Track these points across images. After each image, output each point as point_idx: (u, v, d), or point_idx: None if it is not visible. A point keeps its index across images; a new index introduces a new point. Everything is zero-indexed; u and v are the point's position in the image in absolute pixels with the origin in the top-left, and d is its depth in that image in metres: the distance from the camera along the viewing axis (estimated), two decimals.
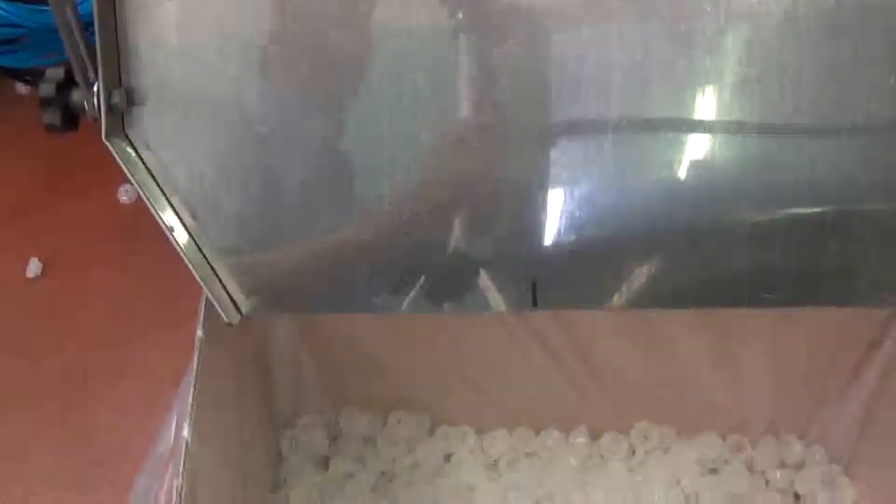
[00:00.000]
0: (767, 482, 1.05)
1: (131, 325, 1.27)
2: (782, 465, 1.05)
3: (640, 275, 0.74)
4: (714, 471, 1.04)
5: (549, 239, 0.73)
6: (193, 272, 0.73)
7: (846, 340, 0.94)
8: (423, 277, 0.75)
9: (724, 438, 1.06)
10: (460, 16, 0.67)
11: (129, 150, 0.70)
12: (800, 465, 1.05)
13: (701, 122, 0.69)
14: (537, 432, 1.08)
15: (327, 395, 1.06)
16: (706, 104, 0.69)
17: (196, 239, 0.72)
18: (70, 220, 1.39)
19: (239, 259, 0.74)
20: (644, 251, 0.74)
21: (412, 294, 0.76)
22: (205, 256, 0.73)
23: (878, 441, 0.99)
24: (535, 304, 0.76)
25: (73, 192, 1.42)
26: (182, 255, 0.73)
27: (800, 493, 1.04)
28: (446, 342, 0.98)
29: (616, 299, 0.76)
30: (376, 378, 1.04)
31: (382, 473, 1.06)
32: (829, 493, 1.03)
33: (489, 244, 0.74)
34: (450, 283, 0.76)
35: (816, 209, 0.71)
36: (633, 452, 1.06)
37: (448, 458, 1.07)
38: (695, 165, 0.70)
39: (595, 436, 1.07)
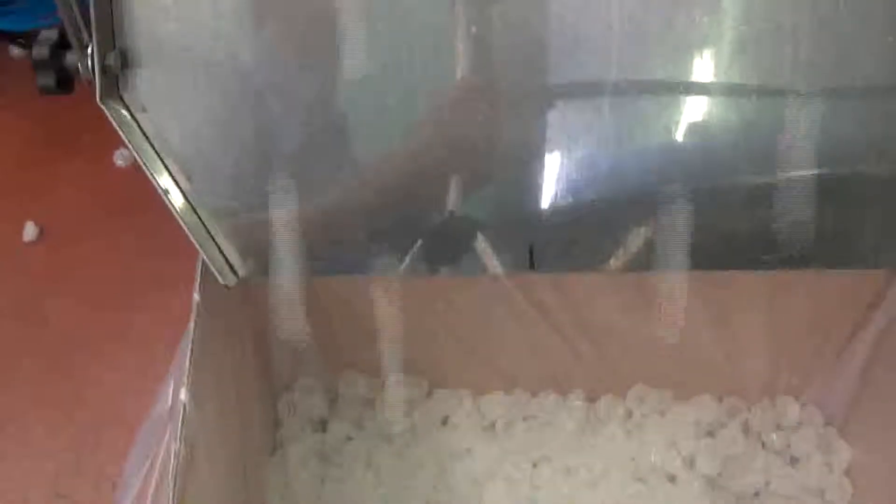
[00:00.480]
0: (763, 444, 1.05)
1: (129, 288, 1.27)
2: (778, 427, 1.06)
3: (638, 237, 0.74)
4: (710, 433, 1.04)
5: (546, 202, 0.73)
6: (189, 235, 0.73)
7: (843, 303, 0.94)
8: (420, 241, 0.75)
9: (720, 401, 1.06)
10: None
11: (125, 112, 0.70)
12: (796, 428, 1.06)
13: (699, 83, 0.69)
14: (534, 395, 1.08)
15: (325, 359, 1.06)
16: (704, 65, 0.69)
17: (192, 201, 0.72)
18: (66, 184, 1.39)
19: (235, 221, 0.74)
20: (642, 214, 0.74)
21: (409, 258, 0.76)
22: (201, 219, 0.73)
23: (873, 403, 0.99)
24: (532, 267, 0.76)
25: (68, 156, 1.41)
26: (178, 217, 0.73)
27: (796, 454, 1.04)
28: (444, 305, 0.98)
29: (614, 262, 0.76)
30: (374, 341, 1.04)
31: (380, 436, 1.06)
32: (825, 454, 1.03)
33: (487, 207, 0.74)
34: (447, 247, 0.76)
35: (815, 171, 0.70)
36: (630, 415, 1.07)
37: (445, 420, 1.08)
38: (693, 128, 0.70)
39: (592, 399, 1.08)
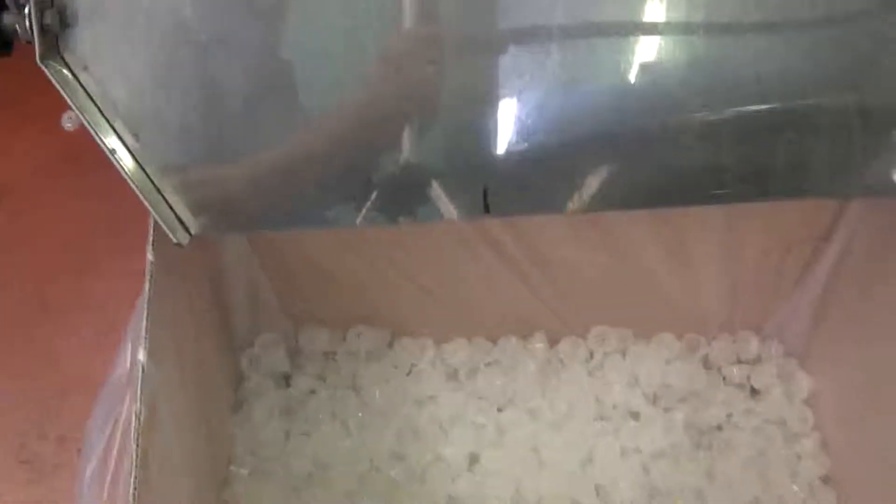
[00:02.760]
0: (724, 378, 1.07)
1: (85, 253, 1.26)
2: (739, 361, 1.07)
3: (593, 178, 0.74)
4: (672, 370, 1.05)
5: (499, 147, 0.72)
6: (139, 194, 0.72)
7: (797, 235, 0.95)
8: (375, 191, 0.75)
9: (680, 338, 1.07)
10: None
11: (66, 72, 0.68)
12: (756, 361, 1.07)
13: (647, 22, 0.69)
14: (496, 341, 1.09)
15: (285, 314, 1.06)
16: (651, 4, 0.68)
17: (139, 159, 0.71)
18: (16, 150, 1.37)
19: (184, 177, 0.73)
20: (596, 155, 0.73)
21: (366, 208, 0.76)
22: (149, 177, 0.72)
23: (832, 333, 1.00)
24: (487, 210, 0.75)
25: (17, 121, 1.39)
26: (126, 177, 0.71)
27: (756, 387, 1.06)
28: (402, 255, 0.98)
29: (569, 204, 0.75)
30: (334, 294, 1.04)
31: (344, 388, 1.06)
32: (786, 385, 1.05)
33: (440, 154, 0.74)
34: (402, 196, 0.75)
35: (765, 105, 0.70)
36: (592, 356, 1.07)
37: (409, 370, 1.08)
38: (643, 68, 0.70)
39: (554, 341, 1.08)
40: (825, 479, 1.00)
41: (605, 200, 0.75)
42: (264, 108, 0.70)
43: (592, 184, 0.74)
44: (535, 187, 0.75)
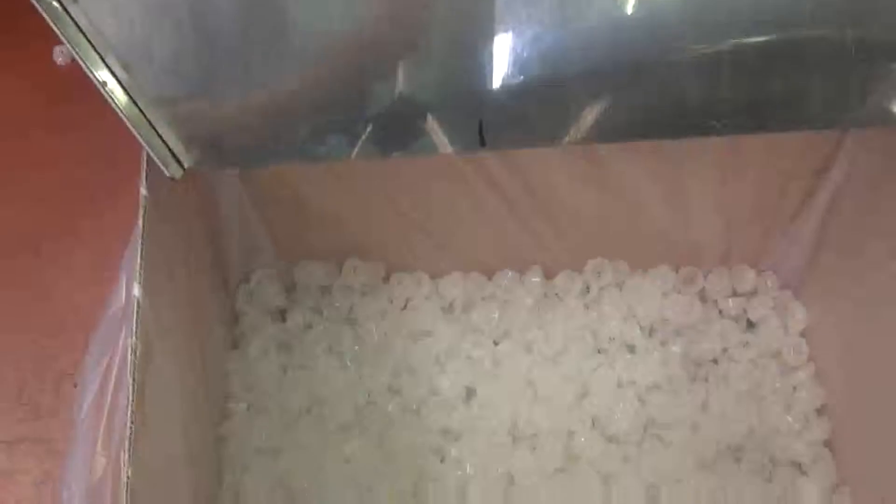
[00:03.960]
0: (721, 311, 1.07)
1: (79, 189, 1.25)
2: (734, 293, 1.07)
3: (589, 110, 0.74)
4: (668, 303, 1.05)
5: (494, 79, 0.72)
6: (131, 127, 0.72)
7: (795, 167, 0.95)
8: (369, 125, 0.74)
9: (676, 271, 1.07)
10: None
11: (56, 5, 0.67)
12: (752, 293, 1.07)
13: None
14: (492, 275, 1.09)
15: (280, 249, 1.06)
16: None
17: (130, 92, 0.70)
18: (7, 85, 1.35)
19: (176, 110, 0.72)
20: (591, 87, 0.73)
21: (360, 142, 0.75)
22: (141, 110, 0.71)
23: (827, 265, 1.00)
24: (482, 143, 0.75)
25: (6, 59, 1.37)
26: (118, 110, 0.71)
27: (752, 319, 1.06)
28: (397, 190, 0.98)
29: (565, 136, 0.75)
30: (329, 228, 1.03)
31: (340, 323, 1.06)
32: (781, 317, 1.05)
33: (434, 87, 0.73)
34: (397, 129, 0.75)
35: (762, 37, 0.70)
36: (588, 289, 1.07)
37: (405, 304, 1.08)
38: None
39: (550, 275, 1.08)
40: (820, 411, 1.01)
41: (601, 133, 0.75)
42: (256, 40, 0.69)
43: (588, 116, 0.74)
44: (531, 120, 0.75)
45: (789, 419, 0.99)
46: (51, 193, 1.26)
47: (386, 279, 1.09)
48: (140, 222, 0.76)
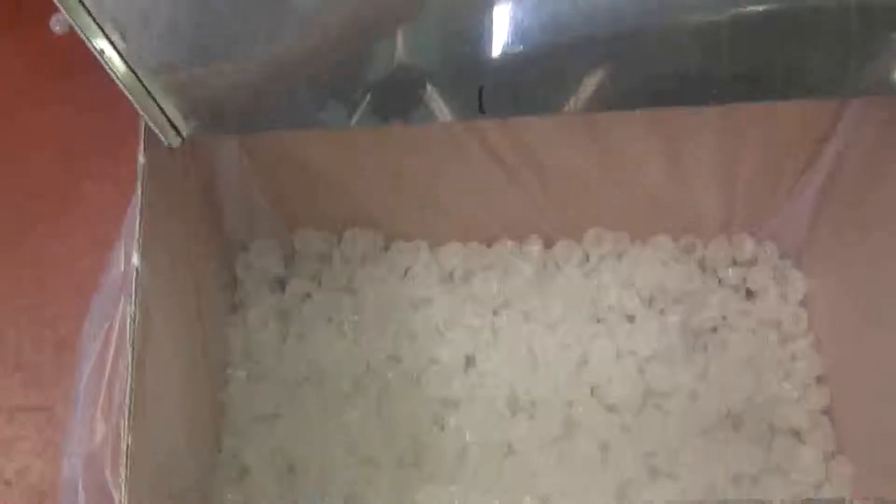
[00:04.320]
0: (720, 280, 1.07)
1: (73, 158, 1.25)
2: (734, 262, 1.07)
3: (589, 79, 0.73)
4: (667, 272, 1.05)
5: (494, 47, 0.71)
6: (128, 96, 0.71)
7: (796, 136, 0.94)
8: (369, 92, 0.74)
9: (676, 240, 1.07)
10: None
11: None
12: (752, 262, 1.07)
13: None
14: (491, 244, 1.09)
15: (279, 217, 1.05)
16: None
17: (128, 60, 0.70)
18: (5, 54, 1.35)
19: (174, 77, 0.71)
20: (592, 55, 0.72)
21: (359, 110, 0.75)
22: (139, 78, 0.71)
23: (827, 234, 1.00)
24: (482, 111, 0.75)
25: (2, 27, 1.37)
26: (116, 79, 0.70)
27: (752, 288, 1.06)
28: (397, 159, 0.97)
29: (565, 105, 0.75)
30: (328, 198, 1.03)
31: (339, 291, 1.06)
32: (781, 286, 1.05)
33: (433, 55, 0.73)
34: (396, 97, 0.75)
35: (761, 5, 0.69)
36: (587, 258, 1.07)
37: (404, 273, 1.08)
38: None
39: (549, 244, 1.08)
40: (819, 379, 1.01)
41: (601, 101, 0.74)
42: (254, 5, 0.69)
43: (588, 85, 0.73)
44: (531, 88, 0.74)
45: (788, 387, 0.99)
46: (47, 162, 1.25)
47: (385, 248, 1.09)
48: (139, 191, 0.76)
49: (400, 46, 0.72)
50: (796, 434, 0.99)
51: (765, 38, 0.71)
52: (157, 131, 0.74)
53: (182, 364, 0.85)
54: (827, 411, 1.00)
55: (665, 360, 1.01)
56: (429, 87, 0.74)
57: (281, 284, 1.08)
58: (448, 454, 0.97)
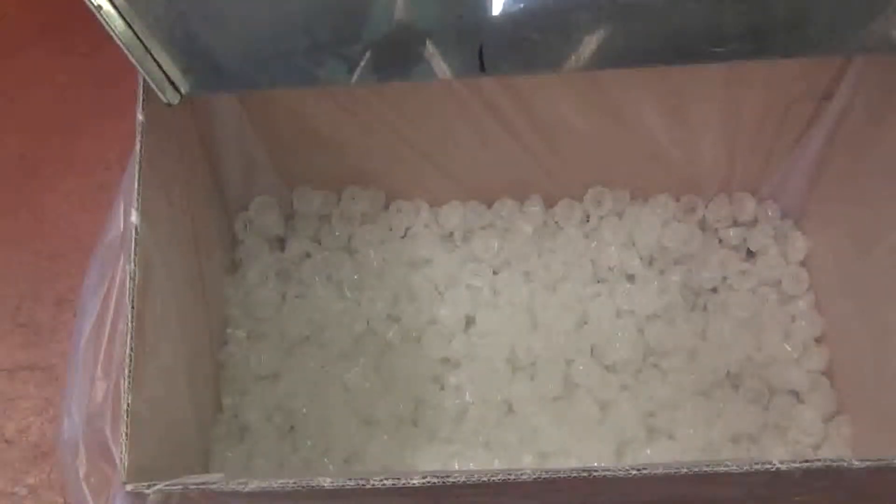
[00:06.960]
0: (721, 240, 1.07)
1: (75, 113, 1.25)
2: (735, 222, 1.07)
3: (590, 36, 0.73)
4: (668, 231, 1.04)
5: (495, 4, 0.71)
6: (126, 52, 0.71)
7: (797, 94, 0.94)
8: (368, 49, 0.73)
9: (677, 199, 1.07)
10: None
11: None
12: (752, 222, 1.07)
13: None
14: (491, 204, 1.08)
15: (279, 176, 1.05)
16: None
17: (125, 16, 0.69)
18: (4, 6, 1.34)
19: (172, 33, 0.71)
20: (593, 12, 0.72)
21: (359, 67, 0.74)
22: (137, 34, 0.70)
23: (828, 194, 1.00)
24: (482, 69, 0.74)
25: None
26: (113, 34, 0.70)
27: (752, 248, 1.06)
28: (397, 117, 0.97)
29: (566, 62, 0.74)
30: (328, 156, 1.03)
31: (339, 250, 1.06)
32: (782, 246, 1.05)
33: (433, 12, 0.72)
34: (396, 55, 0.74)
35: None
36: (588, 218, 1.07)
37: (404, 232, 1.08)
38: None
39: (549, 204, 1.08)
40: (818, 340, 1.01)
41: (603, 59, 0.74)
42: None
43: (590, 42, 0.73)
44: (532, 45, 0.74)
45: (788, 348, 1.00)
46: (44, 120, 1.25)
47: (385, 207, 1.09)
48: (137, 148, 0.76)
49: (400, 3, 0.71)
50: (795, 394, 0.99)
51: None
52: (155, 88, 0.74)
53: (182, 323, 0.85)
54: (826, 372, 1.00)
55: (665, 320, 1.01)
56: (429, 44, 0.73)
57: (280, 243, 1.08)
58: (448, 413, 0.98)
